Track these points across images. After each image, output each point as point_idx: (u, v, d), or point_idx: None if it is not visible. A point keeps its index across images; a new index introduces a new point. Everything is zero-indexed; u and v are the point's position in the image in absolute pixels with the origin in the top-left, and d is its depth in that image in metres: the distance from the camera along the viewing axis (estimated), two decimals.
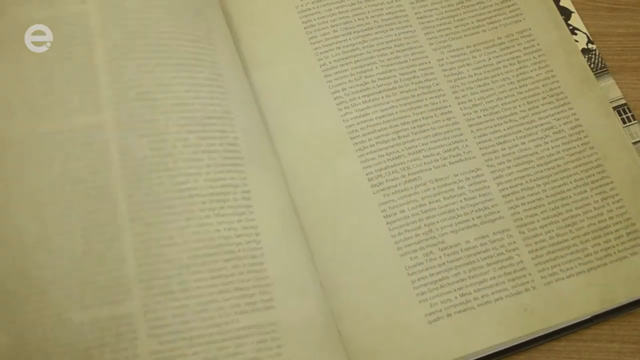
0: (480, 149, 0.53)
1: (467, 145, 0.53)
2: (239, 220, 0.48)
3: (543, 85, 0.56)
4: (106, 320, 0.44)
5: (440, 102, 0.55)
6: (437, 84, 0.55)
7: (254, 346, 0.45)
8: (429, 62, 0.56)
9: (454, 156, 0.53)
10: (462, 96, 0.55)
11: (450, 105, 0.55)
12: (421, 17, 0.58)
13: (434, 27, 0.57)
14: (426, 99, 0.55)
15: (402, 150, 0.53)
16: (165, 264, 0.46)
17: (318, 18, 0.57)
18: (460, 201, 0.52)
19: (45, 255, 0.45)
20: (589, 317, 0.50)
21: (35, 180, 0.46)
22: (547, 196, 0.52)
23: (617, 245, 0.51)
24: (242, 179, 0.49)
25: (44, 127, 0.48)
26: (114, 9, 0.51)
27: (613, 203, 0.52)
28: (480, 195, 0.52)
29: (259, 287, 0.47)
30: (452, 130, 0.54)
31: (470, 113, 0.54)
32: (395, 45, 0.56)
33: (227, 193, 0.48)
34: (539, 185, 0.52)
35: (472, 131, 0.54)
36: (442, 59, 0.56)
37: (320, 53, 0.56)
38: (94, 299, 0.44)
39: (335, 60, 0.55)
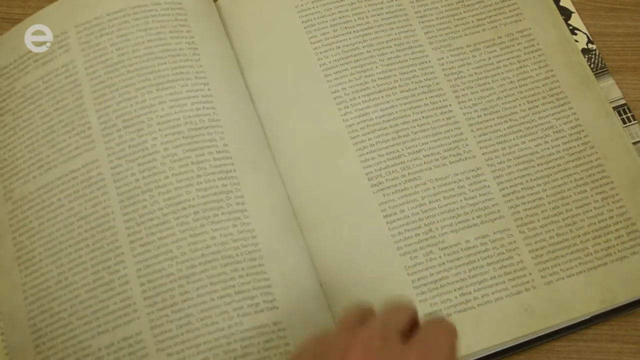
0: (480, 148, 0.53)
1: (467, 145, 0.53)
2: (234, 225, 0.49)
3: (543, 85, 0.56)
4: (119, 342, 0.47)
5: (440, 101, 0.55)
6: (437, 83, 0.55)
7: (262, 346, 0.46)
8: (429, 62, 0.56)
9: (454, 155, 0.53)
10: (462, 95, 0.55)
11: (450, 105, 0.54)
12: (421, 16, 0.57)
13: (434, 26, 0.57)
14: (426, 99, 0.55)
15: (402, 149, 0.53)
16: (166, 278, 0.48)
17: (318, 17, 0.57)
18: (461, 200, 0.51)
19: (64, 291, 0.49)
20: (589, 317, 0.49)
21: (51, 227, 0.50)
22: (547, 196, 0.52)
23: (617, 244, 0.51)
24: (234, 184, 0.50)
25: (51, 176, 0.51)
26: (94, 48, 0.54)
27: (613, 202, 0.52)
28: (480, 195, 0.52)
29: (261, 289, 0.47)
30: (452, 130, 0.54)
31: (471, 112, 0.54)
32: (395, 45, 0.56)
33: (220, 200, 0.49)
34: (539, 184, 0.52)
35: (472, 130, 0.54)
36: (442, 58, 0.56)
37: (320, 53, 0.56)
38: (107, 324, 0.47)
39: (335, 60, 0.55)
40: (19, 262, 0.50)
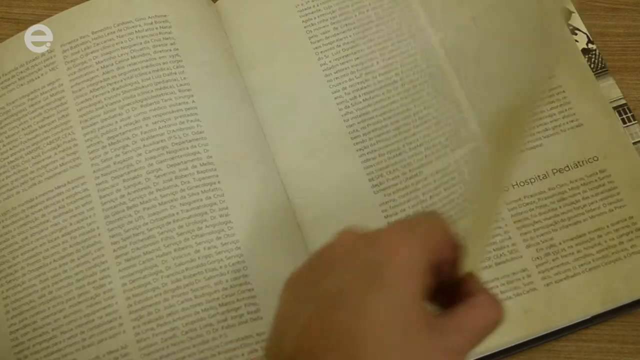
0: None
1: (468, 130, 0.53)
2: (218, 237, 0.49)
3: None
4: (105, 355, 0.47)
5: (441, 86, 0.54)
6: (439, 67, 0.55)
7: (246, 357, 0.47)
8: (432, 45, 0.55)
9: (455, 142, 0.52)
10: (464, 74, 0.55)
11: (452, 88, 0.54)
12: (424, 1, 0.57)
13: (437, 8, 0.57)
14: (428, 87, 0.54)
15: (403, 145, 0.53)
16: (151, 292, 0.48)
17: (318, 16, 0.57)
18: (461, 188, 0.51)
19: (48, 305, 0.49)
20: (589, 317, 0.49)
21: (35, 241, 0.51)
22: (547, 197, 0.52)
23: (618, 244, 0.50)
24: (218, 196, 0.50)
25: (35, 191, 0.52)
26: (80, 67, 0.55)
27: (614, 202, 0.52)
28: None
29: (244, 300, 0.48)
30: (454, 114, 0.53)
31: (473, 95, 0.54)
32: (396, 36, 0.56)
33: (204, 213, 0.50)
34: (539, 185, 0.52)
35: (474, 114, 0.53)
36: (445, 39, 0.56)
37: (321, 52, 0.56)
38: (93, 338, 0.48)
39: (336, 59, 0.55)
40: (0, 275, 0.50)
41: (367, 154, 0.53)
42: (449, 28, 0.56)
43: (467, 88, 0.54)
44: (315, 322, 0.33)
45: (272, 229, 0.50)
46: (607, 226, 0.51)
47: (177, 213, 0.50)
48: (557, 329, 0.49)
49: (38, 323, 0.48)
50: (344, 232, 0.37)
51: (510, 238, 0.50)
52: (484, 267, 0.50)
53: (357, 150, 0.53)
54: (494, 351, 0.48)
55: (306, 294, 0.36)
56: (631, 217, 0.51)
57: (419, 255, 0.34)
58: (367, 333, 0.32)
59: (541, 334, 0.49)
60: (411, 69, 0.55)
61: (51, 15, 0.57)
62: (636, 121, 0.55)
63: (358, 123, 0.53)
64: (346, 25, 0.57)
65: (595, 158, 0.53)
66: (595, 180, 0.52)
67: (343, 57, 0.55)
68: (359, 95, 0.54)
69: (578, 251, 0.50)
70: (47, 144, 0.53)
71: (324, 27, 0.56)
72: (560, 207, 0.51)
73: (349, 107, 0.54)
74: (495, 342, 0.48)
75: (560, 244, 0.50)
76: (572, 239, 0.51)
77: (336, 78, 0.55)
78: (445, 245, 0.35)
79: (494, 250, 0.50)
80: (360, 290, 0.33)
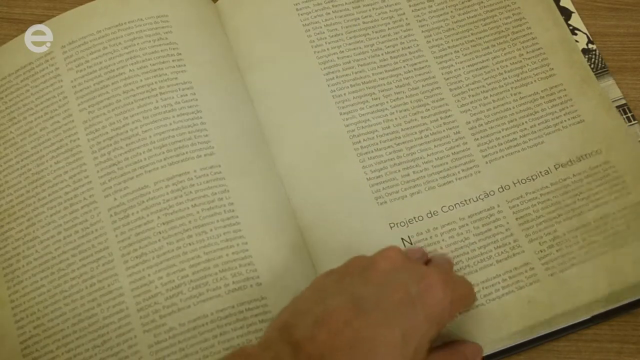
0: (480, 150, 0.53)
1: (468, 148, 0.53)
2: (225, 232, 0.49)
3: (544, 84, 0.55)
4: (114, 355, 0.47)
5: (439, 105, 0.55)
6: (437, 87, 0.55)
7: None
8: (429, 66, 0.56)
9: (454, 161, 0.53)
10: (462, 98, 0.55)
11: (450, 110, 0.54)
12: (420, 20, 0.57)
13: (433, 29, 0.57)
14: (428, 104, 0.54)
15: (402, 156, 0.53)
16: (159, 289, 0.48)
17: (318, 17, 0.57)
18: (463, 204, 0.51)
19: (55, 306, 0.49)
20: (589, 317, 0.49)
21: (40, 243, 0.50)
22: (549, 192, 0.52)
23: (626, 229, 0.50)
24: (223, 192, 0.50)
25: (40, 192, 0.52)
26: (81, 67, 0.54)
27: (619, 190, 0.51)
28: (480, 199, 0.52)
29: (253, 295, 0.48)
30: (452, 134, 0.54)
31: (470, 117, 0.54)
32: (396, 50, 0.56)
33: (209, 209, 0.50)
34: (542, 181, 0.52)
35: (472, 133, 0.54)
36: (442, 62, 0.56)
37: (321, 55, 0.56)
38: (102, 338, 0.48)
39: (336, 65, 0.55)
40: (6, 279, 0.50)
41: (367, 159, 0.52)
42: (445, 52, 0.57)
43: (466, 114, 0.55)
44: (336, 316, 0.36)
45: (275, 227, 0.50)
46: (613, 213, 0.51)
47: (184, 209, 0.50)
48: (557, 328, 0.49)
49: (46, 325, 0.48)
50: (390, 250, 0.43)
51: (512, 235, 0.50)
52: (486, 265, 0.50)
53: (358, 156, 0.53)
54: (494, 351, 0.48)
55: (335, 288, 0.39)
56: (639, 203, 0.51)
57: (449, 311, 0.41)
58: (381, 353, 0.36)
59: (541, 334, 0.49)
60: (408, 84, 0.55)
61: (52, 16, 0.57)
62: (636, 121, 0.55)
63: (358, 129, 0.53)
64: (347, 32, 0.56)
65: (599, 151, 0.53)
66: (599, 172, 0.52)
67: (344, 63, 0.55)
68: (359, 101, 0.54)
69: (583, 239, 0.50)
70: (50, 146, 0.52)
71: (324, 31, 0.56)
72: (563, 199, 0.51)
73: (349, 111, 0.54)
74: (498, 334, 0.48)
75: (564, 234, 0.50)
76: (576, 229, 0.50)
77: (337, 82, 0.55)
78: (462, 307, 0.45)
79: (494, 248, 0.50)
80: (394, 311, 0.38)
